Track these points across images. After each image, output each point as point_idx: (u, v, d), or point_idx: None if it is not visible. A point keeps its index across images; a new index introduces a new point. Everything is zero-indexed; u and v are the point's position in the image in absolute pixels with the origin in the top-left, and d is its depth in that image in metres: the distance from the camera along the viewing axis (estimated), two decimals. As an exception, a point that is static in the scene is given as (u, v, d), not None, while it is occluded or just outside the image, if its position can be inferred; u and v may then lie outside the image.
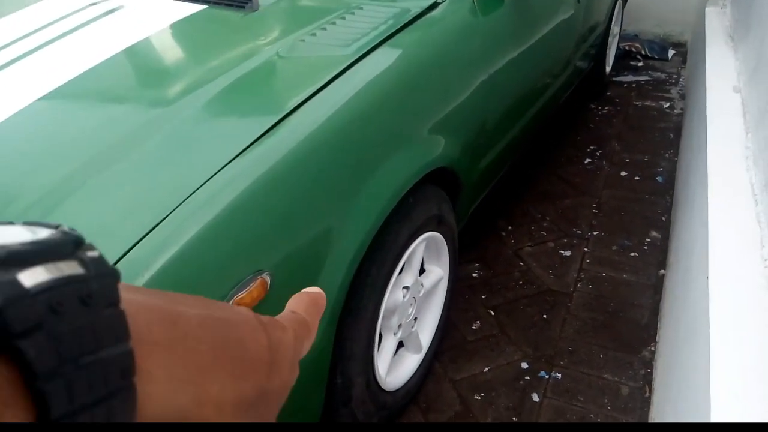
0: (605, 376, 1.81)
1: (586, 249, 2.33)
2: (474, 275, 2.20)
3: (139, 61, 1.38)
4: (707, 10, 3.24)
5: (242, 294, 1.01)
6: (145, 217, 0.98)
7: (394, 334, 1.55)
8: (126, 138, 1.14)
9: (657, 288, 2.15)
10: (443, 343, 1.87)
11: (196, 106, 1.19)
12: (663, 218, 2.50)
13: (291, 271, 1.11)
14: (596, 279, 2.19)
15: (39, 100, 1.24)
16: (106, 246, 0.91)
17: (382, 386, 1.51)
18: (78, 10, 1.61)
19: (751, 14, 2.43)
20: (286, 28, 1.46)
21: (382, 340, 1.51)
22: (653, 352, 1.89)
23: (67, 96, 1.28)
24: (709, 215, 1.46)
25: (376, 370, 1.46)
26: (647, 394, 1.75)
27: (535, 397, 1.74)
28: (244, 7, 1.52)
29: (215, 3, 1.54)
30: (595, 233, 2.42)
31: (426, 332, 1.73)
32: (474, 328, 1.99)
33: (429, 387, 1.77)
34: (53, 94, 1.26)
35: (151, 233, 0.96)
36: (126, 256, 0.93)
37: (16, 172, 1.11)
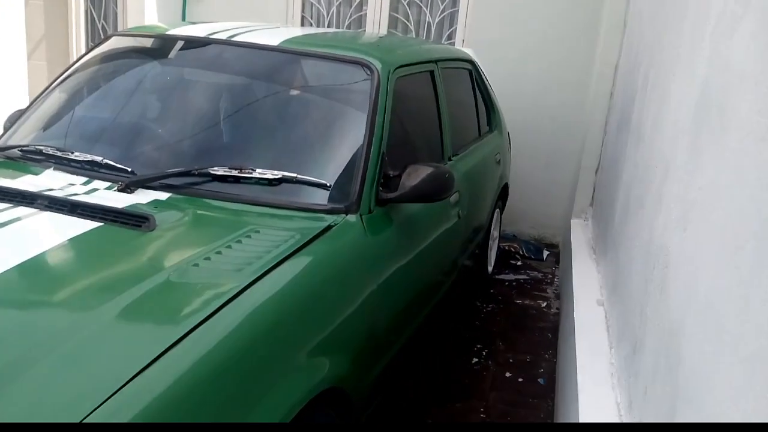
0: None
1: (475, 456, 2.34)
2: (364, 489, 2.11)
3: (35, 275, 1.36)
4: (572, 221, 3.69)
5: None
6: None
7: None
8: (14, 357, 1.09)
9: (544, 498, 2.16)
10: None
11: (93, 330, 1.18)
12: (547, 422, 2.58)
13: None
14: (486, 490, 2.17)
15: None
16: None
17: None
18: None
19: (607, 233, 2.78)
20: (181, 251, 1.51)
21: None
22: None
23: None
24: (579, 402, 1.54)
25: None
26: None
27: None
28: (140, 227, 1.57)
29: (111, 220, 1.58)
30: (483, 439, 2.44)
31: None
32: None
33: None
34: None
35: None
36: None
37: None
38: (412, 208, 2.12)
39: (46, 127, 2.15)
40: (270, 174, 1.82)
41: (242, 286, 1.37)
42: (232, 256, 1.49)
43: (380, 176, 1.92)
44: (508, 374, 2.92)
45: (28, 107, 2.28)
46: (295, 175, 1.83)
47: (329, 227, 1.73)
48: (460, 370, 2.90)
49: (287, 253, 1.54)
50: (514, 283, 3.98)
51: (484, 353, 3.09)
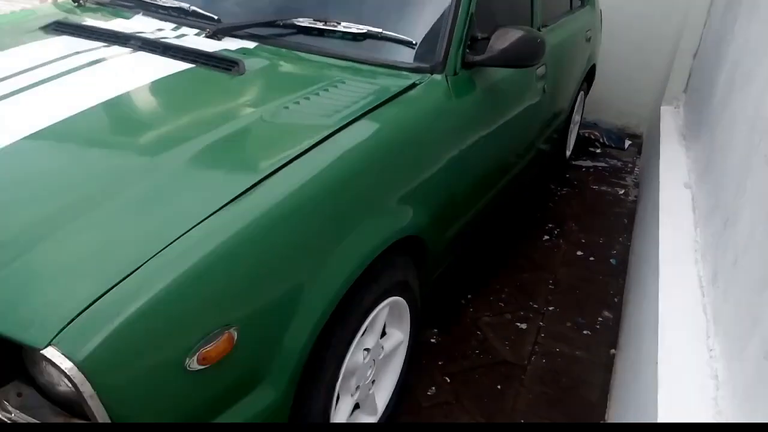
0: (554, 451, 1.84)
1: (541, 323, 2.40)
2: (432, 341, 2.23)
3: (123, 112, 1.42)
4: (662, 108, 3.48)
5: (208, 347, 1.03)
6: (118, 265, 1.00)
7: (351, 395, 1.56)
8: (106, 186, 1.16)
9: (608, 367, 2.21)
10: (398, 407, 1.88)
11: (178, 161, 1.23)
12: (615, 299, 2.60)
13: (258, 328, 1.13)
14: (550, 354, 2.24)
15: (21, 140, 1.26)
16: (71, 297, 0.93)
17: (335, 449, 1.50)
18: (61, 57, 1.64)
19: (701, 117, 2.62)
20: (270, 95, 1.53)
21: (339, 401, 1.51)
22: (601, 431, 1.93)
23: (48, 140, 1.30)
24: (660, 305, 1.54)
25: None
26: (594, 473, 1.78)
27: (485, 469, 1.75)
28: (230, 70, 1.59)
29: (202, 63, 1.60)
30: (550, 308, 2.49)
31: (382, 395, 1.74)
32: (429, 393, 2.00)
33: (380, 453, 1.77)
34: (35, 136, 1.28)
35: (120, 284, 0.98)
36: (91, 308, 0.94)
37: (6, 202, 1.12)
38: (496, 75, 2.05)
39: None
40: (355, 28, 1.78)
41: (333, 129, 1.39)
42: (320, 103, 1.50)
43: (468, 37, 1.84)
44: (579, 253, 2.92)
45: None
46: (380, 30, 1.78)
47: (414, 85, 1.70)
48: (530, 246, 2.92)
49: (373, 105, 1.54)
50: (591, 170, 3.88)
51: (555, 232, 3.08)
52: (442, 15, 1.86)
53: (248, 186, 1.17)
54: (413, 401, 1.96)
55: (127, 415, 0.94)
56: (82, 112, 1.35)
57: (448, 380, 2.07)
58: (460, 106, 1.82)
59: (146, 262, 1.00)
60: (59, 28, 1.78)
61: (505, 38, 1.84)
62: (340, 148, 1.37)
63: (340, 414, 1.53)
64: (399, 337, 1.75)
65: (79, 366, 0.89)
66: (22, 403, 1.03)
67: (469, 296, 2.50)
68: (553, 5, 2.79)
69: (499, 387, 2.06)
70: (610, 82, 4.27)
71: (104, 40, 1.68)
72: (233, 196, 1.15)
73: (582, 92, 3.55)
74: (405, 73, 1.74)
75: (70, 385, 0.99)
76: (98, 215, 1.10)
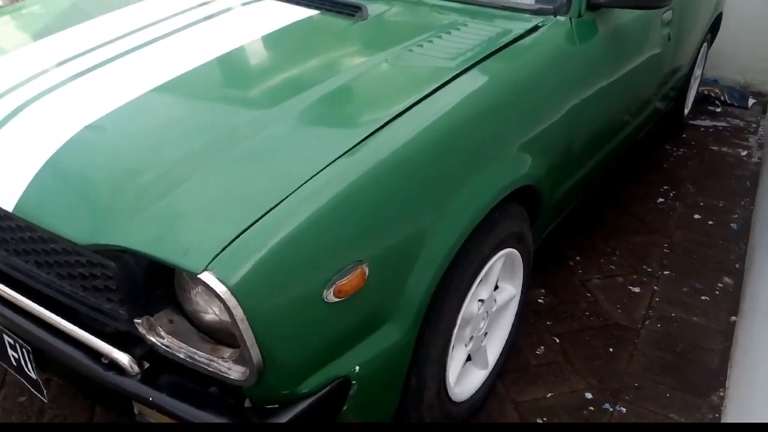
0: (671, 415, 1.77)
1: (655, 287, 2.30)
2: (540, 301, 2.19)
3: (255, 58, 1.46)
4: (797, 60, 3.18)
5: (344, 281, 1.06)
6: (258, 202, 1.03)
7: (465, 345, 1.57)
8: (239, 129, 1.21)
9: (727, 335, 2.09)
10: (507, 364, 1.87)
11: (308, 104, 1.26)
12: (737, 265, 2.44)
13: (386, 265, 1.15)
14: (665, 318, 2.15)
15: (152, 90, 1.33)
16: (221, 227, 0.98)
17: (450, 395, 1.52)
18: (186, 10, 1.70)
19: None
20: (394, 38, 1.53)
21: (453, 350, 1.52)
22: (722, 398, 1.84)
23: (179, 89, 1.36)
24: None
25: (447, 378, 1.48)
26: (715, 440, 1.70)
27: (598, 428, 1.72)
28: (353, 15, 1.60)
29: (326, 9, 1.62)
30: (665, 273, 2.38)
31: (494, 349, 1.73)
32: (538, 353, 1.98)
33: (491, 405, 1.77)
34: (167, 86, 1.34)
35: (264, 217, 1.01)
36: (239, 237, 0.98)
37: (138, 151, 1.19)
38: (621, 19, 1.93)
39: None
40: (475, -30, 1.72)
41: (457, 72, 1.37)
42: (443, 46, 1.48)
43: (594, -25, 1.74)
44: (696, 216, 2.75)
45: None
46: (501, -29, 1.72)
47: (536, 27, 1.63)
48: (643, 208, 2.79)
49: (496, 48, 1.50)
50: (710, 130, 3.62)
51: (671, 195, 2.92)
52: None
53: (377, 127, 1.18)
54: (522, 359, 1.94)
55: (270, 339, 0.99)
56: (215, 58, 1.40)
57: (557, 340, 2.03)
58: (583, 51, 1.73)
59: (285, 198, 1.04)
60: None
61: (634, -24, 1.72)
62: (464, 91, 1.34)
63: (455, 363, 1.53)
64: (511, 291, 1.73)
65: (232, 290, 0.94)
66: (173, 329, 1.11)
67: (577, 258, 2.43)
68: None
69: (611, 350, 2.00)
70: (735, 35, 3.92)
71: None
72: (362, 138, 1.16)
73: (705, 44, 3.30)
74: (526, 15, 1.68)
75: (218, 311, 1.05)
76: (234, 157, 1.14)
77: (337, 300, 1.06)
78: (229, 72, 1.44)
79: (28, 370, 1.27)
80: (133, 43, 1.49)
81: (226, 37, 1.52)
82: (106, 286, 1.11)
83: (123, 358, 1.10)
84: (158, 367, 1.13)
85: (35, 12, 1.83)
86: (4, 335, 1.27)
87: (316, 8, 1.62)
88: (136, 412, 1.13)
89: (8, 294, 1.23)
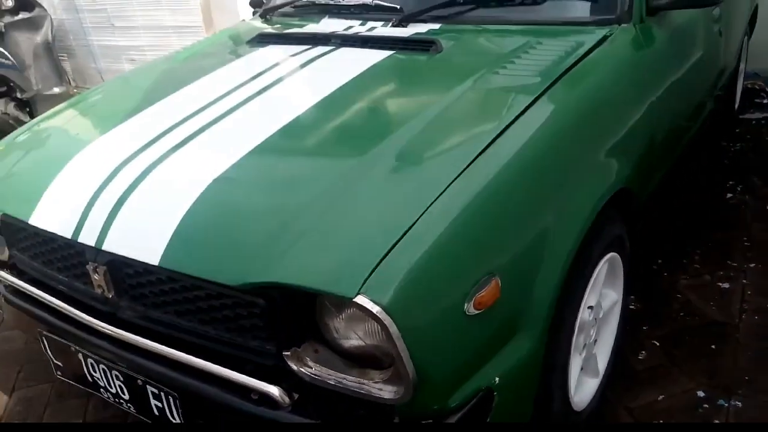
0: (792, 404, 1.74)
1: (744, 281, 2.27)
2: (632, 307, 2.18)
3: (351, 100, 1.53)
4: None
5: (482, 293, 1.10)
6: (394, 226, 1.09)
7: (580, 354, 1.58)
8: (357, 167, 1.27)
9: (831, 320, 2.05)
10: (614, 372, 1.86)
11: (415, 133, 1.33)
12: (823, 250, 2.40)
13: (516, 276, 1.19)
14: (762, 310, 2.12)
15: (261, 144, 1.39)
16: (365, 253, 1.04)
17: (572, 405, 1.52)
18: (276, 64, 1.79)
19: None
20: (475, 64, 1.59)
21: (571, 358, 1.53)
22: (840, 382, 1.80)
23: (287, 140, 1.43)
24: None
25: (569, 387, 1.49)
26: None
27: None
28: (428, 50, 1.68)
29: (400, 48, 1.70)
30: (751, 265, 2.35)
31: (603, 356, 1.74)
32: (641, 358, 1.96)
33: (606, 413, 1.76)
34: (275, 138, 1.41)
35: (402, 239, 1.07)
36: (384, 260, 1.04)
37: (269, 196, 1.27)
38: (677, 20, 1.98)
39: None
40: (533, -9, 1.81)
41: (545, 86, 1.42)
42: (524, 65, 1.54)
43: (649, -18, 1.80)
44: (769, 207, 2.73)
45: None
46: (559, -12, 1.79)
47: (605, 37, 1.69)
48: (715, 206, 2.77)
49: (573, 61, 1.55)
50: (762, 121, 3.60)
51: (738, 189, 2.90)
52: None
53: (488, 142, 1.24)
54: (626, 366, 1.93)
55: (423, 355, 1.03)
56: (316, 104, 1.49)
57: (657, 344, 2.02)
58: (650, 54, 1.78)
59: (418, 218, 1.09)
60: (263, 39, 1.96)
61: (687, -23, 1.78)
62: (556, 103, 1.40)
63: (573, 373, 1.54)
64: (613, 297, 1.74)
65: (386, 309, 0.98)
66: (318, 359, 1.15)
67: (659, 261, 2.42)
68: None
69: (713, 347, 1.98)
70: (771, 27, 3.93)
71: (307, 43, 1.83)
72: (477, 153, 1.22)
73: (746, 37, 3.32)
74: (591, 27, 1.74)
75: (362, 334, 1.10)
76: (360, 191, 1.20)
77: (476, 312, 1.09)
78: (328, 118, 1.51)
79: (172, 417, 1.32)
80: (233, 103, 1.58)
81: (322, 81, 1.61)
82: (253, 324, 1.16)
83: (274, 390, 1.15)
84: (307, 397, 1.17)
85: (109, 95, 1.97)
86: (148, 386, 1.33)
87: (391, 49, 1.70)
88: (291, 444, 1.17)
89: (150, 345, 1.30)
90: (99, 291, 1.34)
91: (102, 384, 1.40)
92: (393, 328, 0.99)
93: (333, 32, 1.89)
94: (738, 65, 3.16)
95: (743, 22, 3.04)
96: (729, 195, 2.85)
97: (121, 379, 1.35)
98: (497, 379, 1.17)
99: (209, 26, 4.55)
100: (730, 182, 2.96)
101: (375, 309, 0.98)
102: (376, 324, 1.03)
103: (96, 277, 1.32)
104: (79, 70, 5.61)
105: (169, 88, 1.74)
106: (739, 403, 1.76)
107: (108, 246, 1.27)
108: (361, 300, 0.99)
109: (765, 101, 3.88)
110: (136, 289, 1.30)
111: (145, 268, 1.25)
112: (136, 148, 1.46)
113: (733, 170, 3.07)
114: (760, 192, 2.85)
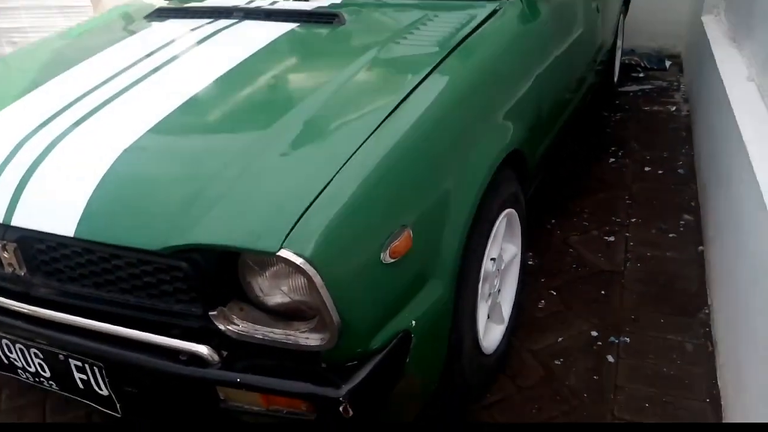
0: (669, 336, 1.98)
1: (627, 234, 2.52)
2: (530, 263, 2.37)
3: (259, 71, 1.56)
4: (703, 18, 3.53)
5: (396, 243, 1.19)
6: (311, 184, 1.16)
7: (486, 302, 1.71)
8: (273, 130, 1.32)
9: (699, 262, 2.33)
10: (516, 320, 2.03)
11: (326, 98, 1.39)
12: (692, 203, 2.70)
13: (425, 228, 1.29)
14: (643, 258, 2.37)
15: (169, 115, 1.40)
16: (284, 210, 1.10)
17: (482, 348, 1.66)
18: (178, 38, 1.79)
19: (750, 17, 2.70)
20: (377, 35, 1.67)
21: (478, 305, 1.66)
22: (707, 314, 2.06)
23: (197, 110, 1.45)
24: (759, 177, 1.65)
25: (478, 331, 1.62)
26: (710, 349, 1.91)
27: (611, 359, 1.90)
28: (332, 23, 1.74)
29: (305, 21, 1.75)
30: (632, 220, 2.61)
31: (506, 305, 1.89)
32: (540, 306, 2.15)
33: (511, 358, 1.92)
34: (189, 103, 1.44)
35: (319, 196, 1.14)
36: (303, 216, 1.10)
37: (183, 162, 1.29)
38: (559, -3, 2.15)
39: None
40: (430, -32, 1.90)
41: (443, 55, 1.53)
42: (424, 36, 1.64)
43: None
44: (647, 168, 3.02)
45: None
46: (454, -34, 1.90)
47: (495, 11, 1.82)
48: (599, 170, 3.03)
49: (467, 32, 1.67)
50: (639, 93, 3.95)
51: (620, 154, 3.18)
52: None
53: (394, 107, 1.33)
54: (527, 315, 2.11)
55: (345, 302, 1.10)
56: (220, 77, 1.51)
57: (554, 293, 2.21)
58: (536, 26, 1.94)
59: (334, 176, 1.16)
60: (162, 14, 1.94)
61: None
62: (454, 70, 1.51)
63: (480, 318, 1.68)
64: (513, 250, 1.90)
65: (309, 260, 1.05)
66: (244, 316, 1.20)
67: (553, 221, 2.63)
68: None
69: (602, 292, 2.20)
70: (643, 5, 4.30)
71: (208, 17, 1.84)
72: (384, 117, 1.30)
73: (622, 16, 3.62)
74: (482, 2, 1.87)
75: (286, 290, 1.16)
76: (276, 152, 1.25)
77: (392, 261, 1.18)
78: (234, 91, 1.53)
79: (99, 389, 1.32)
80: (134, 77, 1.58)
81: (230, 52, 1.63)
82: (176, 288, 1.19)
83: (203, 349, 1.19)
84: (236, 354, 1.22)
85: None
86: (70, 360, 1.32)
87: (295, 21, 1.75)
88: (221, 398, 1.21)
89: (69, 320, 1.29)
90: (9, 270, 1.31)
91: (20, 365, 1.37)
92: (317, 279, 1.06)
93: (235, 6, 1.90)
94: (615, 41, 3.44)
95: (619, 1, 3.31)
96: (611, 160, 3.13)
97: (41, 356, 1.33)
98: (414, 322, 1.27)
99: (97, 5, 4.34)
100: (612, 148, 3.24)
101: (299, 261, 1.05)
102: (300, 277, 1.10)
103: (5, 255, 1.29)
104: (-47, 56, 5.17)
105: (66, 65, 1.69)
106: (627, 339, 1.98)
107: (17, 221, 1.25)
108: (285, 253, 1.05)
109: (641, 75, 4.25)
110: (50, 264, 1.28)
111: (59, 241, 1.24)
112: (36, 123, 1.43)
113: (614, 138, 3.36)
114: (638, 156, 3.15)
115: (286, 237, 1.07)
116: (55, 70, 1.70)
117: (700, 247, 2.41)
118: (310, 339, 1.15)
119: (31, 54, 2.01)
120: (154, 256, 1.16)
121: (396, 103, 1.35)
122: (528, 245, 2.42)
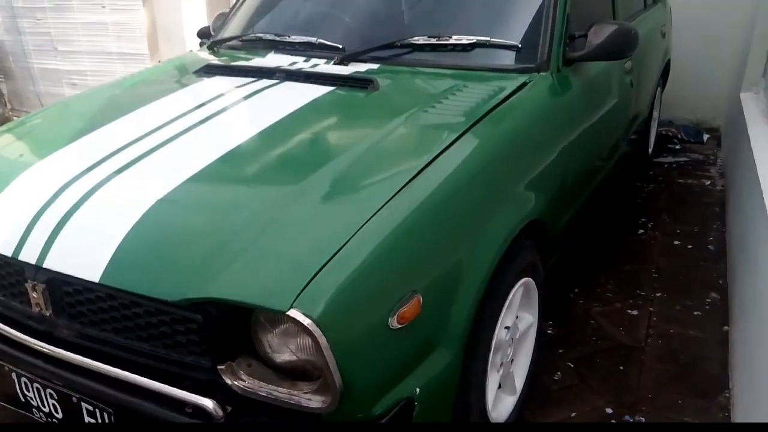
0: (686, 419, 1.92)
1: (651, 309, 2.48)
2: (549, 332, 2.35)
3: (293, 130, 1.64)
4: (742, 95, 3.53)
5: (404, 308, 1.21)
6: (325, 246, 1.20)
7: (497, 371, 1.71)
8: (295, 191, 1.38)
9: (723, 342, 2.27)
10: (530, 391, 2.00)
11: (350, 163, 1.45)
12: (720, 281, 2.65)
13: (435, 295, 1.31)
14: (665, 335, 2.32)
15: (204, 169, 1.48)
16: (298, 270, 1.14)
17: (489, 418, 1.65)
18: (223, 94, 1.89)
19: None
20: (407, 103, 1.74)
21: (489, 376, 1.66)
22: (728, 398, 2.00)
23: (245, 154, 1.54)
24: None
25: (486, 403, 1.61)
26: (730, 437, 1.85)
27: (624, 439, 1.85)
28: (366, 88, 1.82)
29: (341, 85, 1.84)
30: (657, 295, 2.57)
31: (520, 375, 1.87)
32: (556, 378, 2.12)
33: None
34: (226, 158, 1.51)
35: (332, 259, 1.18)
36: (315, 278, 1.14)
37: (209, 216, 1.35)
38: (591, 71, 2.20)
39: (254, 20, 2.43)
40: (465, 40, 1.97)
41: (469, 125, 1.58)
42: (452, 105, 1.71)
43: (566, 36, 2.01)
44: (676, 242, 2.98)
45: (233, 7, 2.58)
46: (488, 38, 1.97)
47: (524, 84, 1.87)
48: (627, 241, 3.01)
49: (495, 104, 1.73)
50: (674, 165, 3.93)
51: (649, 225, 3.16)
52: (542, 18, 2.02)
53: (414, 174, 1.38)
54: (541, 386, 2.08)
55: (349, 365, 1.13)
56: (257, 133, 1.59)
57: (571, 365, 2.18)
58: (565, 100, 1.98)
59: (348, 240, 1.20)
60: (210, 70, 2.06)
61: (601, 33, 1.99)
62: (477, 140, 1.56)
63: (490, 388, 1.67)
64: (529, 319, 1.89)
65: (317, 322, 1.08)
66: (251, 372, 1.23)
67: (576, 290, 2.61)
68: (629, 4, 2.93)
69: (621, 368, 2.16)
70: (683, 78, 4.31)
71: (252, 76, 1.94)
72: (403, 184, 1.35)
73: (659, 88, 3.64)
74: (513, 74, 1.92)
75: (294, 348, 1.19)
76: (296, 213, 1.31)
77: (399, 326, 1.21)
78: (268, 148, 1.60)
79: (107, 433, 1.36)
80: (178, 129, 1.66)
81: (268, 111, 1.71)
82: (189, 340, 1.23)
83: (208, 403, 1.22)
84: (240, 410, 1.24)
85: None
86: (83, 404, 1.36)
87: (332, 85, 1.83)
88: (224, 453, 1.23)
89: (86, 363, 1.34)
90: (36, 309, 1.38)
91: (35, 404, 1.42)
92: (323, 340, 1.09)
93: (278, 67, 2.00)
94: (651, 113, 3.46)
95: (655, 75, 3.34)
96: (641, 231, 3.11)
97: (55, 397, 1.38)
98: (418, 390, 1.28)
99: (154, 55, 4.59)
100: (642, 219, 3.22)
101: (306, 322, 1.08)
102: (307, 337, 1.13)
103: (34, 295, 1.36)
104: (16, 92, 5.50)
105: (116, 113, 1.80)
106: (643, 419, 1.93)
107: (49, 264, 1.32)
108: (294, 313, 1.09)
109: (677, 146, 4.24)
110: (75, 307, 1.34)
111: (85, 285, 1.30)
112: (80, 169, 1.52)
113: (645, 209, 3.34)
114: (668, 229, 3.12)
115: (297, 296, 1.10)
116: (107, 117, 1.81)
117: (726, 327, 2.36)
118: (312, 400, 1.17)
119: (88, 99, 2.14)
120: (171, 307, 1.21)
121: (419, 168, 1.41)
122: (547, 314, 2.41)
